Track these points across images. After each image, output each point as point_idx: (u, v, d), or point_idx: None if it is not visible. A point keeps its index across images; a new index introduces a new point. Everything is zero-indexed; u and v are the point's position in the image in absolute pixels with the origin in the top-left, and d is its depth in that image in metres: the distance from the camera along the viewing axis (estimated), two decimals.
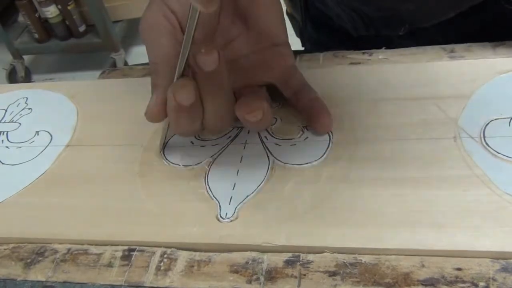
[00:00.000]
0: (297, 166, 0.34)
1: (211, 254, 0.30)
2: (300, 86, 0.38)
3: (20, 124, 0.44)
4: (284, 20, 0.39)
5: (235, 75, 0.37)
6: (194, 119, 0.33)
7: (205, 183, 0.34)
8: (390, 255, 0.28)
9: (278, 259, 0.29)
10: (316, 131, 0.36)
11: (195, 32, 0.30)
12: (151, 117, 0.33)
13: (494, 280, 0.26)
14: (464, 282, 0.26)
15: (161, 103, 0.32)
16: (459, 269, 0.27)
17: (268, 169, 0.34)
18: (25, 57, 2.04)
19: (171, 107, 0.32)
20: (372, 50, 0.43)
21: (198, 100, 0.32)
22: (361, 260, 0.28)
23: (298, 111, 0.37)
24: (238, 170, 0.34)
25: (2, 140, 0.43)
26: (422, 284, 0.26)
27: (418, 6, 0.46)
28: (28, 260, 0.32)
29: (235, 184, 0.34)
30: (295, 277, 0.28)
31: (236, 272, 0.29)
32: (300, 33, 0.62)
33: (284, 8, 0.63)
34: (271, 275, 0.28)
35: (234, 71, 0.37)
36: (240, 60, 0.37)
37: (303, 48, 0.63)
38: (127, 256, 0.31)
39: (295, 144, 0.35)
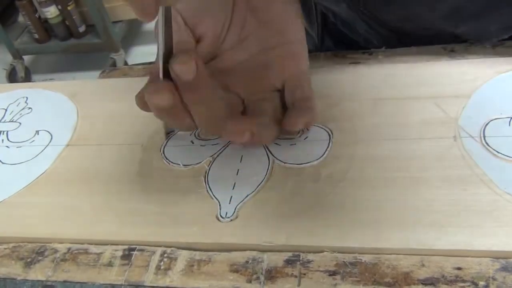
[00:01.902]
0: (297, 165, 0.34)
1: (211, 253, 0.30)
2: (303, 98, 0.35)
3: (20, 123, 0.44)
4: (301, 18, 0.37)
5: (246, 77, 0.36)
6: (178, 120, 0.32)
7: (205, 182, 0.34)
8: (390, 254, 0.28)
9: (278, 259, 0.29)
10: (284, 126, 0.34)
11: (166, 34, 0.29)
12: (138, 105, 0.33)
13: (494, 279, 0.26)
14: (464, 281, 0.26)
15: (142, 97, 0.31)
16: (459, 268, 0.27)
17: (268, 168, 0.34)
18: (25, 57, 2.04)
19: (151, 107, 0.31)
20: (372, 50, 0.43)
21: (179, 104, 0.30)
22: (361, 259, 0.28)
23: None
24: (238, 169, 0.34)
25: (2, 140, 0.43)
26: (422, 284, 0.26)
27: (472, 29, 0.43)
28: (28, 260, 0.32)
29: (235, 183, 0.34)
30: (295, 276, 0.28)
31: (236, 271, 0.29)
32: (315, 49, 0.60)
33: None
34: (271, 274, 0.28)
35: (244, 73, 0.36)
36: (251, 60, 0.36)
37: None
38: (127, 256, 0.31)
39: (295, 144, 0.35)
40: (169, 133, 0.39)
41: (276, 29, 0.36)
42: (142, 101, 0.31)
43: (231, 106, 0.35)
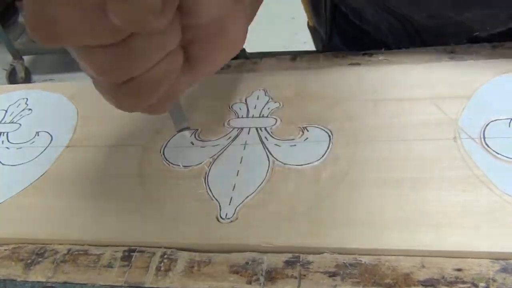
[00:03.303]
0: (297, 166, 0.34)
1: (211, 254, 0.30)
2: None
3: (20, 124, 0.44)
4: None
5: None
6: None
7: (205, 183, 0.34)
8: (390, 255, 0.28)
9: (278, 260, 0.29)
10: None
11: None
12: None
13: (494, 280, 0.26)
14: (464, 282, 0.26)
15: None
16: (459, 269, 0.27)
17: (268, 169, 0.34)
18: (25, 57, 2.04)
19: None
20: (372, 51, 0.43)
21: None
22: (361, 260, 0.28)
23: None
24: (238, 170, 0.34)
25: (3, 141, 0.43)
26: (422, 285, 0.26)
27: (479, 15, 0.42)
28: (28, 261, 0.32)
29: (235, 184, 0.34)
30: (295, 277, 0.28)
31: (236, 272, 0.29)
32: (322, 46, 0.60)
33: (305, 20, 0.61)
34: (271, 275, 0.28)
35: None
36: None
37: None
38: (127, 257, 0.31)
39: (295, 145, 0.35)
40: (179, 130, 0.38)
41: None
42: None
43: None
